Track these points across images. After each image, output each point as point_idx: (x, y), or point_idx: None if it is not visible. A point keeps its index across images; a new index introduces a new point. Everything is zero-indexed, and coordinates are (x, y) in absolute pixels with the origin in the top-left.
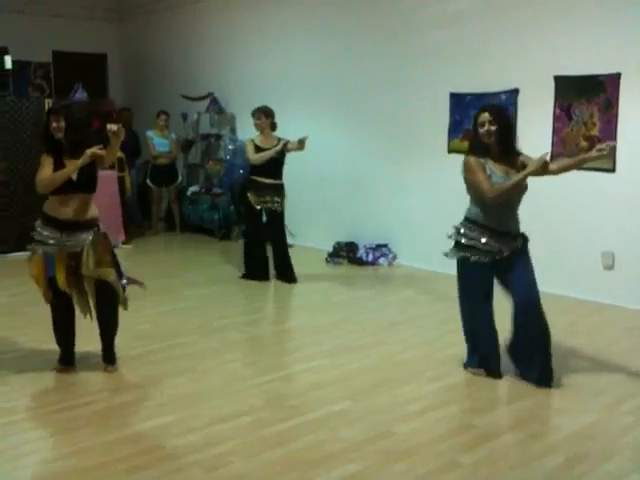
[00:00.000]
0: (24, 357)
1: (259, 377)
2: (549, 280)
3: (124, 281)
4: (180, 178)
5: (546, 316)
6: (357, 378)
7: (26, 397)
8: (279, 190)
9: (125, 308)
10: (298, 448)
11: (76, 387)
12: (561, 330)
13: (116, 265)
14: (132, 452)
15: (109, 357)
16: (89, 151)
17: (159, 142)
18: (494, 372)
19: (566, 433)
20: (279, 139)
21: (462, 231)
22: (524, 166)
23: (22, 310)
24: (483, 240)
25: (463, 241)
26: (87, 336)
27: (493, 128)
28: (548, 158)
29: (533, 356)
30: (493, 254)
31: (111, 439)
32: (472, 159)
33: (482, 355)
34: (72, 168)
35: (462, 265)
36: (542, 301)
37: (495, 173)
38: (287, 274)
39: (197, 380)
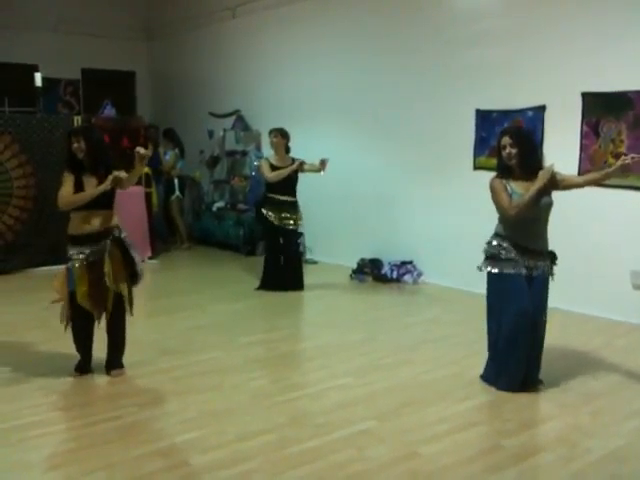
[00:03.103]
0: (54, 371)
1: (285, 394)
2: (578, 300)
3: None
4: (176, 193)
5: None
6: (384, 397)
7: (57, 410)
8: (294, 207)
9: (131, 314)
10: (323, 467)
11: (105, 401)
12: (593, 351)
13: (132, 274)
14: (160, 467)
15: (115, 363)
16: (111, 176)
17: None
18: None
19: (596, 456)
20: (293, 159)
21: (493, 243)
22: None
23: (53, 324)
24: (514, 256)
25: (493, 252)
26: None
27: (514, 151)
28: (552, 169)
29: (507, 362)
30: (527, 270)
31: (139, 454)
32: (495, 181)
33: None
34: (94, 192)
35: (492, 279)
36: (571, 322)
37: (515, 192)
38: (298, 283)
39: (223, 396)
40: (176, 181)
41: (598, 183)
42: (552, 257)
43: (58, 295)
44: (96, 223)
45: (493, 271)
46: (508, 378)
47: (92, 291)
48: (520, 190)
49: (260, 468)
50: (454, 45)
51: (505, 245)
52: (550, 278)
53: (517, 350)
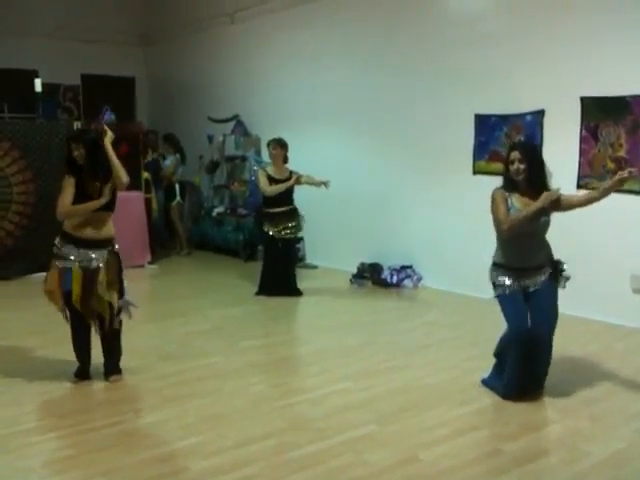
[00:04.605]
0: (54, 377)
1: (285, 399)
2: (577, 303)
3: (121, 302)
4: (177, 198)
5: (552, 350)
6: (383, 401)
7: (56, 416)
8: (293, 215)
9: (120, 326)
10: (323, 472)
11: (103, 407)
12: (593, 355)
13: (121, 288)
14: (160, 473)
15: (113, 369)
16: (107, 188)
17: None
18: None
19: (596, 460)
20: (291, 172)
21: (491, 274)
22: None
23: (51, 329)
24: (507, 282)
25: (491, 280)
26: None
27: (522, 166)
28: (559, 193)
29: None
30: (522, 288)
31: (139, 460)
32: (497, 192)
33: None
34: (94, 205)
35: (499, 301)
36: (571, 325)
37: (515, 206)
38: (292, 288)
39: (223, 401)
40: (177, 186)
41: (599, 200)
42: (555, 266)
43: (52, 299)
44: (96, 227)
45: (494, 295)
46: (506, 388)
47: (84, 296)
48: (519, 205)
49: (260, 473)
50: (453, 48)
51: (498, 274)
52: (560, 287)
53: (515, 364)
